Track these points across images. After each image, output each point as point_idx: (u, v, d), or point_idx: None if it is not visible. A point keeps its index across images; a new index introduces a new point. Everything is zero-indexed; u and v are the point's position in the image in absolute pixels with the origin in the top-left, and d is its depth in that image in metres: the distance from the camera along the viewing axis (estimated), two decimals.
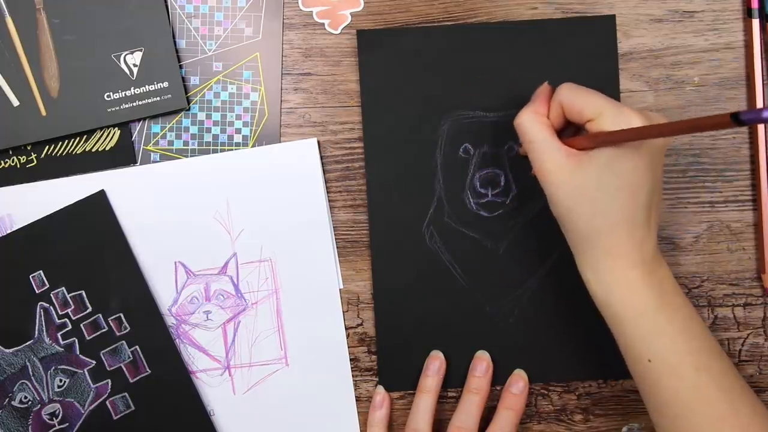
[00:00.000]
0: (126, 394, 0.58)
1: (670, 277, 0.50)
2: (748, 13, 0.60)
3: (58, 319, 0.58)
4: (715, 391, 0.47)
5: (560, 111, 0.50)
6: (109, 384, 0.58)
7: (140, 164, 0.60)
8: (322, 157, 0.60)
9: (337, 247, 0.60)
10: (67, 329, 0.58)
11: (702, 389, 0.47)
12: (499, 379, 0.60)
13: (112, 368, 0.58)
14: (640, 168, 0.47)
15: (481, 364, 0.58)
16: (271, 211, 0.60)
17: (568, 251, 0.60)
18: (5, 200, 0.59)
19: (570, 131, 0.52)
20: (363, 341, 0.60)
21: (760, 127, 0.59)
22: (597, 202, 0.47)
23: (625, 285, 0.48)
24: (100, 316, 0.58)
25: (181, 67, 0.60)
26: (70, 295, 0.58)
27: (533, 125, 0.50)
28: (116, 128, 0.60)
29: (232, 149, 0.60)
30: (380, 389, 0.59)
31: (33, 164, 0.60)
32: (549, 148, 0.49)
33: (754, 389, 0.50)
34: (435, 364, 0.58)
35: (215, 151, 0.60)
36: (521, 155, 0.58)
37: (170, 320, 0.59)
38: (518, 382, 0.58)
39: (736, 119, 0.37)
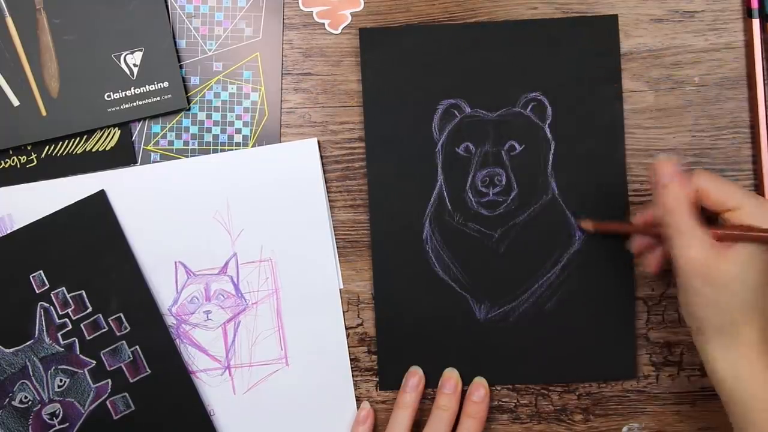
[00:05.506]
0: (126, 394, 0.58)
1: None
2: (748, 13, 0.60)
3: (59, 319, 0.58)
4: None
5: (695, 195, 0.50)
6: (109, 384, 0.58)
7: (140, 164, 0.60)
8: (322, 157, 0.60)
9: (337, 247, 0.60)
10: (67, 329, 0.58)
11: None
12: (502, 378, 0.60)
13: (112, 368, 0.58)
14: None
15: (450, 381, 0.58)
16: (271, 211, 0.60)
17: (568, 251, 0.60)
18: (5, 200, 0.59)
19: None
20: (363, 341, 0.60)
21: (762, 127, 0.59)
22: (737, 295, 0.48)
23: (757, 377, 0.48)
24: (100, 316, 0.58)
25: (181, 67, 0.60)
26: (70, 295, 0.58)
27: (685, 214, 0.49)
28: (116, 128, 0.60)
29: (232, 149, 0.60)
30: (366, 404, 0.59)
31: (33, 164, 0.60)
32: (697, 235, 0.48)
33: None
34: (414, 380, 0.58)
35: (215, 151, 0.60)
36: (587, 228, 0.58)
37: (170, 320, 0.59)
38: (479, 389, 0.58)
39: None
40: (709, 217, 0.51)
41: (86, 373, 0.58)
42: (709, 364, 0.50)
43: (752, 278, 0.48)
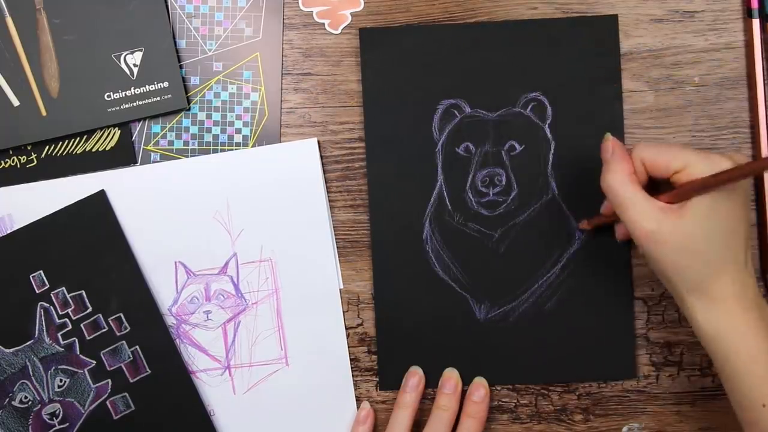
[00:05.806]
0: (126, 394, 0.58)
1: None
2: (748, 13, 0.60)
3: (59, 319, 0.58)
4: None
5: (642, 169, 0.50)
6: (110, 384, 0.58)
7: (140, 164, 0.60)
8: (322, 157, 0.60)
9: (337, 247, 0.60)
10: (67, 329, 0.58)
11: None
12: (502, 378, 0.60)
13: (112, 368, 0.58)
14: (738, 208, 0.48)
15: (450, 381, 0.58)
16: (271, 211, 0.60)
17: (568, 251, 0.60)
18: (5, 200, 0.59)
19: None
20: (363, 341, 0.60)
21: (762, 127, 0.59)
22: (704, 251, 0.47)
23: (739, 329, 0.48)
24: (100, 316, 0.58)
25: (181, 67, 0.60)
26: (70, 295, 0.58)
27: (625, 186, 0.49)
28: (116, 128, 0.60)
29: (232, 149, 0.60)
30: (366, 405, 0.59)
31: (33, 164, 0.60)
32: (646, 207, 0.48)
33: None
34: (414, 380, 0.58)
35: (215, 151, 0.60)
36: (585, 228, 0.58)
37: (170, 320, 0.59)
38: (479, 389, 0.58)
39: None
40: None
41: (86, 373, 0.58)
42: (690, 321, 0.50)
43: (714, 230, 0.47)
